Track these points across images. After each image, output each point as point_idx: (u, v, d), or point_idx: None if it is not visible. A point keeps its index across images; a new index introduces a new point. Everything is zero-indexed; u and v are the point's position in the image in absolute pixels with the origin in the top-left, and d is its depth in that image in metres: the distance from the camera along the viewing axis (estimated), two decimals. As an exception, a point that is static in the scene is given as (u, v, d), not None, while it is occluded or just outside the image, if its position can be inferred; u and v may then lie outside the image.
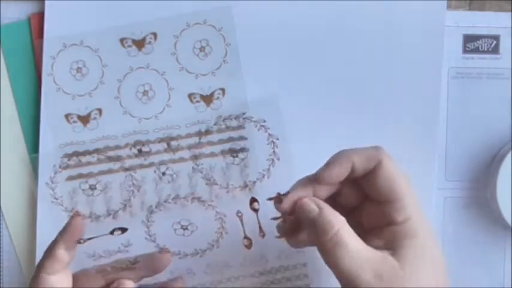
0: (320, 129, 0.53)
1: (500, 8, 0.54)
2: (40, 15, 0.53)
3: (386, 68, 0.53)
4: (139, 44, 0.53)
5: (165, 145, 0.53)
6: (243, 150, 0.53)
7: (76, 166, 0.53)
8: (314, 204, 0.43)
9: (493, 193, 0.53)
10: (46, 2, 0.52)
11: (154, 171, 0.53)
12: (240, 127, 0.53)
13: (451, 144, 0.54)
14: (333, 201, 0.45)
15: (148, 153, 0.53)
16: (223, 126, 0.53)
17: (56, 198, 0.53)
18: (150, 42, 0.53)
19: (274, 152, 0.52)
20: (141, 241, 0.53)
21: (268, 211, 0.49)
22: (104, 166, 0.53)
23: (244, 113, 0.52)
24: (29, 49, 0.53)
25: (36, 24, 0.53)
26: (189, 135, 0.53)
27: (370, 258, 0.41)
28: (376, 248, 0.42)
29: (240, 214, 0.50)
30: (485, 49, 0.54)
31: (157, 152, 0.53)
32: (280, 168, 0.53)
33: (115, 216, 0.53)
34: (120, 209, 0.53)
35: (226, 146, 0.53)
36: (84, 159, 0.53)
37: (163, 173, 0.53)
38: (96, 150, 0.53)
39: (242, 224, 0.49)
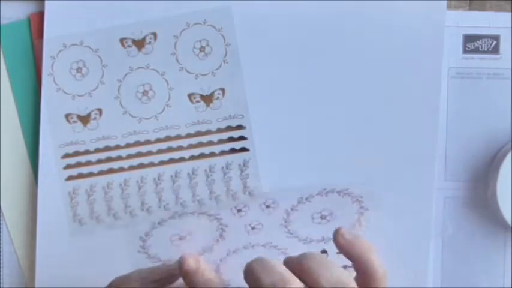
0: (319, 128, 0.53)
1: (501, 8, 0.54)
2: (40, 15, 0.53)
3: (386, 68, 0.53)
4: (139, 44, 0.53)
5: (165, 145, 0.53)
6: (243, 150, 0.53)
7: (76, 166, 0.53)
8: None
9: (493, 193, 0.53)
10: (46, 2, 0.52)
11: (158, 173, 0.53)
12: (240, 127, 0.53)
13: (451, 144, 0.54)
14: None
15: (149, 153, 0.53)
16: (223, 126, 0.53)
17: (56, 199, 0.53)
18: (150, 42, 0.53)
19: (359, 219, 0.54)
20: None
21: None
22: (104, 166, 0.53)
23: (347, 189, 0.53)
24: (29, 49, 0.53)
25: (36, 24, 0.53)
26: (189, 135, 0.53)
27: None
28: None
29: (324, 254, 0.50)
30: (485, 49, 0.54)
31: (158, 152, 0.53)
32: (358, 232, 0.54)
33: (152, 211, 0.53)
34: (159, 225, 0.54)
35: (227, 146, 0.53)
36: (84, 159, 0.53)
37: (159, 177, 0.53)
38: (96, 150, 0.53)
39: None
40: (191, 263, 0.44)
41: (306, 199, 0.53)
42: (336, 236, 0.44)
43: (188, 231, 0.53)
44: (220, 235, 0.54)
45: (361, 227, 0.54)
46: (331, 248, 0.46)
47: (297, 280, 0.39)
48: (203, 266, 0.44)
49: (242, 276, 0.41)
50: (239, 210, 0.53)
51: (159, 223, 0.53)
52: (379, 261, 0.43)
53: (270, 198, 0.53)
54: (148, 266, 0.50)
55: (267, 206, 0.53)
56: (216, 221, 0.53)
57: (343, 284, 0.39)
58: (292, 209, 0.53)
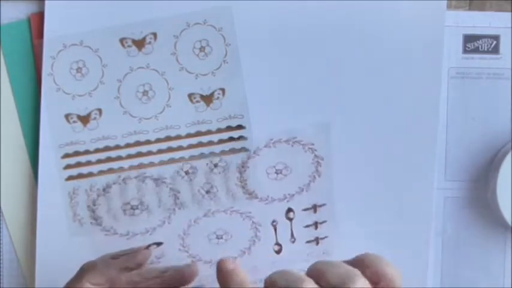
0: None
1: (500, 8, 0.54)
2: (40, 15, 0.53)
3: (386, 68, 0.53)
4: (139, 44, 0.53)
5: (165, 145, 0.53)
6: (243, 150, 0.53)
7: (76, 166, 0.53)
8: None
9: (493, 193, 0.53)
10: (46, 2, 0.52)
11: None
12: (240, 127, 0.53)
13: (451, 144, 0.54)
14: None
15: (149, 153, 0.53)
16: (223, 126, 0.53)
17: (56, 199, 0.53)
18: (150, 42, 0.53)
19: (317, 170, 0.53)
20: (174, 252, 0.53)
21: (302, 220, 0.50)
22: (104, 166, 0.53)
23: (295, 137, 0.52)
24: (29, 49, 0.53)
25: (36, 24, 0.53)
26: (189, 135, 0.53)
27: None
28: None
29: (274, 223, 0.50)
30: (485, 49, 0.54)
31: (158, 152, 0.53)
32: (320, 184, 0.53)
33: (152, 233, 0.53)
34: (158, 225, 0.53)
35: (227, 146, 0.53)
36: (84, 159, 0.53)
37: (159, 177, 0.53)
38: (96, 150, 0.53)
39: (275, 232, 0.50)
40: (229, 265, 0.44)
41: (254, 152, 0.53)
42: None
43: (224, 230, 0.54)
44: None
45: (321, 178, 0.53)
46: (294, 204, 0.46)
47: (311, 280, 0.39)
48: (239, 267, 0.44)
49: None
50: (187, 173, 0.53)
51: (194, 221, 0.53)
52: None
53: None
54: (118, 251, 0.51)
55: (215, 165, 0.53)
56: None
57: (351, 277, 0.39)
58: (243, 166, 0.53)
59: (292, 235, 0.50)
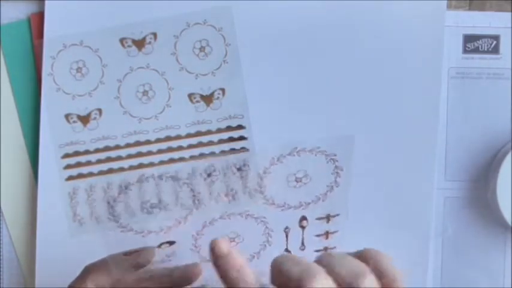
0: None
1: (500, 8, 0.54)
2: (40, 15, 0.53)
3: (386, 68, 0.53)
4: (139, 44, 0.53)
5: (165, 145, 0.53)
6: (243, 150, 0.53)
7: (76, 166, 0.53)
8: None
9: (493, 193, 0.53)
10: (46, 2, 0.52)
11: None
12: (240, 127, 0.53)
13: (451, 144, 0.54)
14: None
15: (149, 153, 0.53)
16: (223, 126, 0.53)
17: (56, 199, 0.53)
18: (150, 42, 0.53)
19: (335, 180, 0.53)
20: (185, 252, 0.53)
21: (314, 229, 0.50)
22: (104, 166, 0.53)
23: (319, 147, 0.52)
24: (29, 49, 0.53)
25: (36, 24, 0.53)
26: (189, 135, 0.53)
27: None
28: None
29: (287, 230, 0.50)
30: (485, 49, 0.54)
31: (158, 152, 0.53)
32: (337, 194, 0.53)
33: (167, 232, 0.53)
34: (173, 225, 0.53)
35: (226, 146, 0.53)
36: (84, 159, 0.53)
37: (159, 177, 0.53)
38: (96, 150, 0.53)
39: (287, 239, 0.50)
40: (224, 248, 0.43)
41: (278, 160, 0.53)
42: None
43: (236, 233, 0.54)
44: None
45: (339, 188, 0.53)
46: (309, 213, 0.47)
47: (324, 271, 0.39)
48: (234, 250, 0.44)
49: None
50: (209, 175, 0.53)
51: (210, 222, 0.53)
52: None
53: (241, 161, 0.53)
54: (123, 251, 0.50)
55: (238, 169, 0.53)
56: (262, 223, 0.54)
57: (362, 273, 0.39)
58: (264, 172, 0.53)
59: (302, 243, 0.50)
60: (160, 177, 0.53)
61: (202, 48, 0.53)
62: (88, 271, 0.47)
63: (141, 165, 0.53)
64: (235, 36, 0.53)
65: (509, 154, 0.53)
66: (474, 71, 0.54)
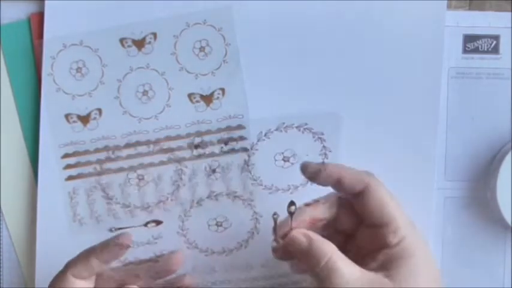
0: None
1: (500, 8, 0.54)
2: (40, 15, 0.53)
3: (386, 68, 0.53)
4: (139, 44, 0.53)
5: (165, 145, 0.53)
6: (243, 150, 0.53)
7: (76, 166, 0.53)
8: (303, 236, 0.44)
9: (493, 193, 0.53)
10: (46, 2, 0.52)
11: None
12: (240, 127, 0.53)
13: (451, 144, 0.54)
14: (332, 227, 0.47)
15: (149, 153, 0.53)
16: (223, 126, 0.53)
17: (56, 199, 0.53)
18: (150, 42, 0.53)
19: (323, 162, 0.53)
20: (172, 235, 0.53)
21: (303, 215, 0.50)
22: (104, 166, 0.53)
23: (306, 123, 0.52)
24: (29, 49, 0.53)
25: (36, 24, 0.53)
26: (189, 135, 0.53)
27: (366, 281, 0.42)
28: (373, 270, 0.43)
29: (275, 216, 0.50)
30: (485, 49, 0.54)
31: (158, 152, 0.53)
32: None
33: (152, 210, 0.53)
34: (160, 201, 0.53)
35: (226, 146, 0.53)
36: (84, 159, 0.53)
37: (159, 177, 0.53)
38: (96, 150, 0.53)
39: (275, 226, 0.50)
40: (303, 240, 0.44)
41: (265, 135, 0.53)
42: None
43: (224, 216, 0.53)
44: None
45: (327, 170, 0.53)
46: (297, 197, 0.47)
47: None
48: (314, 236, 0.44)
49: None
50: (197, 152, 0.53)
51: (197, 202, 0.53)
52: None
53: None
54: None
55: (225, 143, 0.53)
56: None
57: None
58: (252, 148, 0.53)
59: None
60: (160, 177, 0.53)
61: (202, 48, 0.53)
62: (68, 264, 0.47)
63: (141, 165, 0.53)
64: (235, 36, 0.53)
65: (509, 154, 0.53)
66: (474, 71, 0.54)
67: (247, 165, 0.53)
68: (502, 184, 0.53)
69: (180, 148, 0.53)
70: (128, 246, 0.47)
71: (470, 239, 0.55)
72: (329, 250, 0.43)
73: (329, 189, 0.47)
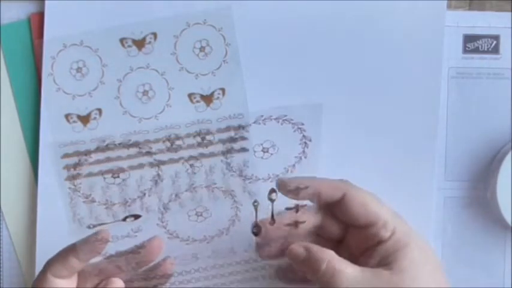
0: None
1: (501, 8, 0.54)
2: (40, 15, 0.53)
3: (386, 68, 0.53)
4: (139, 44, 0.53)
5: (165, 145, 0.53)
6: (243, 150, 0.53)
7: (76, 166, 0.53)
8: (301, 247, 0.45)
9: (493, 193, 0.53)
10: (46, 2, 0.52)
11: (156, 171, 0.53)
12: (240, 127, 0.53)
13: (451, 144, 0.54)
14: (320, 236, 0.48)
15: (149, 153, 0.53)
16: (223, 126, 0.53)
17: (56, 199, 0.53)
18: (150, 42, 0.53)
19: (303, 151, 0.53)
20: (152, 227, 0.53)
21: (283, 202, 0.50)
22: (104, 166, 0.53)
23: (285, 115, 0.52)
24: (29, 49, 0.53)
25: (36, 24, 0.53)
26: (189, 135, 0.53)
27: (367, 278, 0.43)
28: (372, 267, 0.44)
29: (256, 203, 0.50)
30: (485, 49, 0.54)
31: (158, 152, 0.53)
32: (305, 166, 0.53)
33: (130, 204, 0.53)
34: (138, 197, 0.53)
35: (226, 146, 0.53)
36: (84, 159, 0.53)
37: (159, 177, 0.53)
38: (96, 150, 0.53)
39: (256, 213, 0.50)
40: (301, 252, 0.46)
41: (244, 128, 0.53)
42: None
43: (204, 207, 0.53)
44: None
45: (307, 159, 0.53)
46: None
47: None
48: (312, 248, 0.46)
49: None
50: (174, 149, 0.53)
51: (176, 195, 0.53)
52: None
53: (204, 129, 0.53)
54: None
55: (202, 139, 0.53)
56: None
57: None
58: (230, 141, 0.53)
59: (272, 217, 0.50)
60: (160, 177, 0.53)
61: (202, 48, 0.53)
62: (47, 264, 0.47)
63: (141, 165, 0.53)
64: (235, 36, 0.53)
65: (509, 154, 0.53)
66: (474, 71, 0.54)
67: (226, 158, 0.53)
68: (502, 184, 0.53)
69: (180, 148, 0.53)
70: (107, 241, 0.47)
71: (470, 239, 0.55)
72: (327, 255, 0.44)
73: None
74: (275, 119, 0.52)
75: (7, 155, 0.54)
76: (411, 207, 0.53)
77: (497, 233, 0.55)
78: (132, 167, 0.53)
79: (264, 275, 0.54)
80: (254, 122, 0.52)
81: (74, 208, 0.53)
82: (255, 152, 0.53)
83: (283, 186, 0.47)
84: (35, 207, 0.53)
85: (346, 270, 0.43)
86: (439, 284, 0.44)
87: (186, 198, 0.53)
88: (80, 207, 0.53)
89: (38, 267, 0.53)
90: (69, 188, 0.53)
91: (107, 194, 0.53)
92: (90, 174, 0.53)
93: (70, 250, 0.47)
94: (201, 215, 0.53)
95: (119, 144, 0.53)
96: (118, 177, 0.52)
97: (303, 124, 0.52)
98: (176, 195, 0.53)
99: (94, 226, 0.50)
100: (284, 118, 0.52)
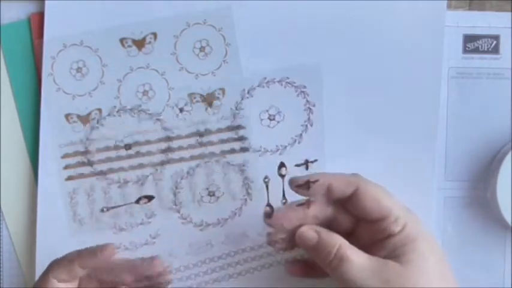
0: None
1: (501, 8, 0.54)
2: (40, 15, 0.53)
3: (386, 68, 0.53)
4: (139, 44, 0.53)
5: (165, 145, 0.53)
6: (243, 150, 0.53)
7: (76, 166, 0.53)
8: (312, 230, 0.46)
9: (493, 193, 0.53)
10: (46, 2, 0.52)
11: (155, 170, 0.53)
12: (240, 127, 0.53)
13: (451, 144, 0.54)
14: (330, 228, 0.47)
15: (149, 153, 0.53)
16: (223, 126, 0.53)
17: (56, 199, 0.53)
18: (150, 42, 0.53)
19: (309, 118, 0.53)
20: (165, 211, 0.53)
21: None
22: (104, 166, 0.53)
23: (287, 77, 0.52)
24: (29, 49, 0.53)
25: (36, 24, 0.53)
26: (188, 135, 0.53)
27: (375, 266, 0.43)
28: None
29: (266, 180, 0.50)
30: (485, 49, 0.54)
31: (158, 152, 0.53)
32: (313, 134, 0.53)
33: (143, 183, 0.53)
34: (150, 173, 0.53)
35: (227, 146, 0.53)
36: (84, 159, 0.53)
37: (159, 177, 0.53)
38: (96, 150, 0.53)
39: (267, 191, 0.49)
40: (311, 237, 0.46)
41: (248, 92, 0.53)
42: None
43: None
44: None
45: (313, 127, 0.53)
46: (286, 158, 0.48)
47: None
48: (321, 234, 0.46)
49: None
50: (181, 110, 0.52)
51: (187, 172, 0.53)
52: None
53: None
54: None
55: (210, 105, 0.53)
56: None
57: None
58: (237, 108, 0.53)
59: (284, 195, 0.50)
60: (160, 177, 0.53)
61: (202, 48, 0.53)
62: (51, 266, 0.47)
63: (141, 165, 0.53)
64: (235, 36, 0.53)
65: (509, 154, 0.53)
66: (474, 70, 0.54)
67: (234, 126, 0.53)
68: (502, 184, 0.53)
69: (180, 148, 0.53)
70: (113, 255, 0.48)
71: (470, 239, 0.55)
72: (337, 241, 0.44)
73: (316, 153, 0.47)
74: (278, 81, 0.52)
75: (7, 155, 0.54)
76: (411, 206, 0.53)
77: (497, 233, 0.55)
78: (132, 167, 0.53)
79: (279, 261, 0.53)
80: (258, 86, 0.52)
81: (74, 208, 0.53)
82: (261, 120, 0.53)
83: (295, 182, 0.46)
84: (35, 207, 0.53)
85: (355, 256, 0.44)
86: (443, 274, 0.44)
87: (198, 175, 0.53)
88: (80, 208, 0.53)
89: (38, 267, 0.53)
90: (70, 188, 0.53)
91: (107, 194, 0.53)
92: (90, 174, 0.53)
93: (75, 256, 0.47)
94: (213, 195, 0.53)
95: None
96: (130, 149, 0.52)
97: (305, 87, 0.52)
98: (188, 172, 0.53)
99: (108, 209, 0.50)
100: (287, 81, 0.52)
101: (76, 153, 0.53)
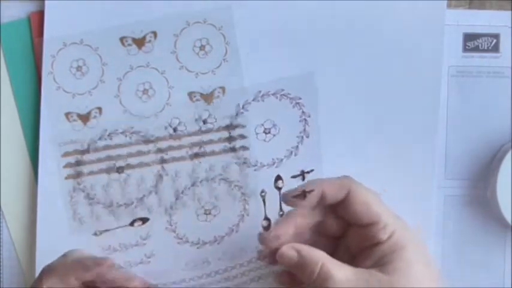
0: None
1: (500, 7, 0.54)
2: (40, 14, 0.53)
3: (386, 67, 0.53)
4: (140, 42, 0.53)
5: (165, 144, 0.53)
6: (243, 148, 0.53)
7: (76, 165, 0.53)
8: (292, 250, 0.45)
9: (493, 192, 0.53)
10: (46, 1, 0.52)
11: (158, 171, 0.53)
12: (240, 126, 0.53)
13: (451, 142, 0.54)
14: (319, 232, 0.47)
15: (149, 152, 0.53)
16: (223, 125, 0.53)
17: (56, 198, 0.53)
18: (150, 41, 0.53)
19: (304, 129, 0.53)
20: (161, 232, 0.53)
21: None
22: (104, 165, 0.53)
23: (282, 89, 0.52)
24: (29, 48, 0.53)
25: (36, 23, 0.53)
26: (189, 134, 0.53)
27: (361, 280, 0.43)
28: (367, 267, 0.44)
29: (263, 193, 0.50)
30: (485, 48, 0.54)
31: (158, 151, 0.53)
32: (309, 146, 0.53)
33: (137, 205, 0.53)
34: (143, 195, 0.53)
35: (227, 144, 0.53)
36: (84, 157, 0.53)
37: (159, 176, 0.53)
38: (96, 149, 0.53)
39: (264, 204, 0.49)
40: (292, 254, 0.45)
41: (243, 107, 0.53)
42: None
43: None
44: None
45: (309, 138, 0.53)
46: (283, 171, 0.48)
47: None
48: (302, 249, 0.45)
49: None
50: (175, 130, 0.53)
51: (182, 192, 0.53)
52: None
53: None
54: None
55: (204, 122, 0.53)
56: None
57: None
58: (232, 125, 0.53)
59: (280, 208, 0.50)
60: (160, 176, 0.53)
61: (202, 47, 0.53)
62: (43, 273, 0.47)
63: (141, 164, 0.53)
64: (235, 35, 0.53)
65: (509, 153, 0.53)
66: (474, 69, 0.54)
67: (229, 142, 0.53)
68: (502, 183, 0.53)
69: (180, 147, 0.53)
70: (110, 271, 0.48)
71: (470, 237, 0.55)
72: (319, 257, 0.44)
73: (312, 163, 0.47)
74: (273, 94, 0.52)
75: (7, 154, 0.54)
76: (411, 205, 0.53)
77: (497, 232, 0.55)
78: (133, 166, 0.53)
79: (275, 270, 0.53)
80: (253, 100, 0.52)
81: (74, 207, 0.53)
82: (257, 134, 0.53)
83: (291, 193, 0.46)
84: (35, 207, 0.53)
85: (339, 272, 0.43)
86: (431, 281, 0.43)
87: (193, 194, 0.53)
88: (80, 206, 0.53)
89: (38, 266, 0.53)
90: (70, 186, 0.53)
91: (108, 193, 0.53)
92: (90, 173, 0.53)
93: (70, 268, 0.47)
94: (209, 213, 0.53)
95: (121, 133, 0.53)
96: (122, 172, 0.52)
97: (300, 98, 0.52)
98: (182, 191, 0.53)
99: (101, 233, 0.50)
100: (282, 93, 0.52)
101: (76, 152, 0.53)
